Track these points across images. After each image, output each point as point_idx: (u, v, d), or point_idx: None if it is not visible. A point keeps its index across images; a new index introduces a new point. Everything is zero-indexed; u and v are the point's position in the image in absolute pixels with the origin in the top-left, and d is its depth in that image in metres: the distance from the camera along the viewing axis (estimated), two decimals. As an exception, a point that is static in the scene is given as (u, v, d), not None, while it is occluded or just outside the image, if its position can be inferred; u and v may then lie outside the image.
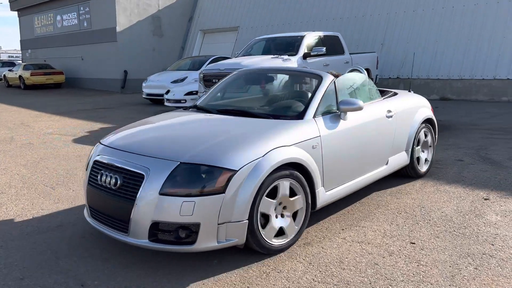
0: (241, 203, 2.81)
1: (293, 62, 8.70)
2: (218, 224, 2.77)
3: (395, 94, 4.82)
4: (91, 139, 7.69)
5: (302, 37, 9.33)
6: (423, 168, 4.86)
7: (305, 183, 3.22)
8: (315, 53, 8.99)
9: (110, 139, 3.42)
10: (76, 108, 12.90)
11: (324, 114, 3.62)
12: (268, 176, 2.93)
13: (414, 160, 4.67)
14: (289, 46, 9.39)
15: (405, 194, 4.30)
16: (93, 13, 20.27)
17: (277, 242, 3.07)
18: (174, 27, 20.81)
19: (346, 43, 14.49)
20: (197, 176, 2.76)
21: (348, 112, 3.71)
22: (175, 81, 13.01)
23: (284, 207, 3.14)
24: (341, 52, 10.24)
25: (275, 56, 8.87)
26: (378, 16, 14.56)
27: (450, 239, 3.25)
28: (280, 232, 3.11)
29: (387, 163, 4.29)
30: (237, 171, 2.81)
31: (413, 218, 3.67)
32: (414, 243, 3.19)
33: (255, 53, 9.82)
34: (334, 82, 3.84)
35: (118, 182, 2.91)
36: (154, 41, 20.13)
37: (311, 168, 3.25)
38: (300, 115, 3.52)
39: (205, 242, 2.77)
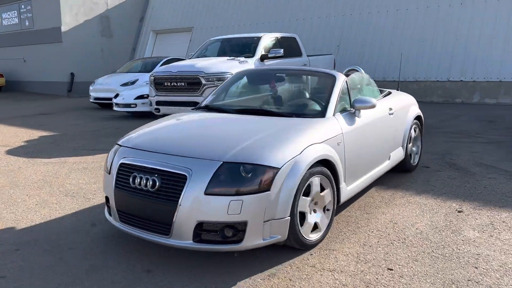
0: (284, 200, 2.84)
1: (250, 64, 8.28)
2: (264, 222, 2.79)
3: (390, 93, 5.02)
4: (28, 150, 6.91)
5: (258, 38, 8.93)
6: (415, 161, 5.16)
7: (332, 178, 3.30)
8: (273, 55, 8.62)
9: (133, 141, 3.30)
10: (15, 114, 11.85)
11: (341, 112, 3.74)
12: (306, 172, 2.97)
13: (408, 155, 4.90)
14: (246, 48, 8.97)
15: (374, 208, 3.96)
16: (35, 12, 18.95)
17: (313, 237, 3.15)
18: (124, 27, 19.86)
19: (304, 45, 14.28)
20: (241, 174, 2.76)
21: (361, 110, 3.85)
22: (125, 84, 12.24)
23: (315, 203, 3.20)
24: (299, 54, 9.94)
25: (231, 58, 8.42)
26: (334, 18, 14.45)
27: (429, 262, 2.92)
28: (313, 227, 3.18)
29: (389, 158, 4.47)
30: (280, 168, 2.84)
31: (386, 238, 3.33)
32: (391, 269, 2.84)
33: (210, 55, 9.32)
34: (346, 81, 3.99)
35: (157, 184, 2.82)
36: (102, 42, 19.09)
37: (337, 164, 3.35)
38: (322, 113, 3.62)
39: (252, 240, 2.77)
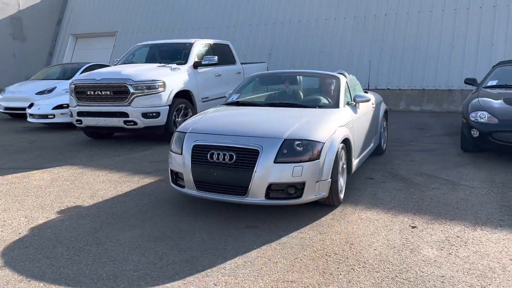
0: (327, 166, 3.80)
1: (183, 71, 7.79)
2: (316, 182, 3.73)
3: (367, 91, 5.95)
4: None
5: (191, 45, 8.46)
6: (384, 146, 6.41)
7: (347, 152, 4.31)
8: (207, 62, 8.21)
9: (198, 128, 4.09)
10: None
11: (347, 104, 4.81)
12: (338, 146, 3.94)
13: (381, 141, 6.16)
14: (177, 54, 8.46)
15: (327, 227, 3.70)
16: None
17: (341, 196, 4.18)
18: (39, 31, 18.26)
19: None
20: (299, 148, 3.70)
21: (360, 103, 4.97)
22: (41, 92, 11.10)
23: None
24: (232, 61, 9.62)
25: (162, 64, 7.87)
26: (264, 26, 14.37)
27: (396, 289, 2.68)
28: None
29: (373, 142, 5.63)
30: (324, 143, 3.81)
31: (345, 262, 3.06)
32: (358, 301, 2.56)
33: (138, 61, 8.68)
34: (346, 81, 5.13)
35: (234, 157, 3.67)
36: (14, 46, 17.39)
37: (353, 142, 4.41)
38: (336, 105, 4.68)
39: (308, 195, 3.73)
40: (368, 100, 4.95)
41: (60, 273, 2.96)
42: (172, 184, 4.19)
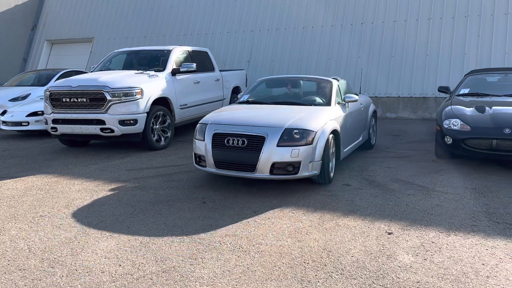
0: (319, 150, 4.81)
1: (160, 78, 7.74)
2: (309, 162, 4.72)
3: (357, 94, 6.78)
4: None
5: (169, 52, 8.42)
6: (373, 142, 7.50)
7: (336, 141, 5.39)
8: (185, 69, 8.17)
9: (217, 120, 5.11)
10: None
11: (337, 103, 5.83)
12: (328, 135, 4.95)
13: (370, 137, 7.23)
14: (155, 61, 8.40)
15: (305, 234, 3.73)
16: None
17: (331, 175, 5.25)
18: (12, 36, 17.86)
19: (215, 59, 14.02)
20: (296, 135, 4.70)
21: (349, 103, 6.00)
22: (14, 99, 10.80)
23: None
24: (211, 69, 9.62)
25: (140, 71, 7.80)
26: (243, 33, 14.43)
27: (373, 295, 2.72)
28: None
29: (361, 137, 6.65)
30: (316, 132, 4.81)
31: (324, 269, 3.08)
32: (336, 309, 2.58)
33: (115, 68, 8.58)
34: (338, 84, 6.21)
35: (245, 142, 4.70)
36: (-13, 51, 16.98)
37: (341, 134, 5.46)
38: (328, 104, 5.73)
39: (303, 172, 4.71)
40: (355, 100, 5.88)
41: (33, 285, 2.89)
42: (195, 165, 5.20)
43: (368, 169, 6.00)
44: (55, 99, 7.18)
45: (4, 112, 9.57)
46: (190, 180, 5.48)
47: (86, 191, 5.08)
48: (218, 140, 4.84)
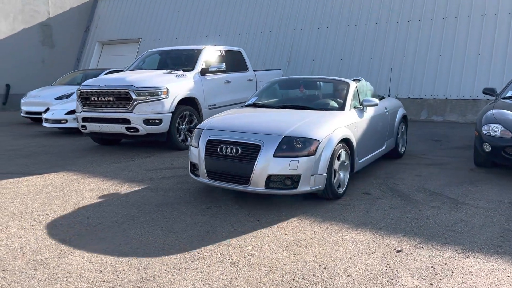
0: (323, 162, 4.22)
1: (188, 78, 7.69)
2: (311, 176, 4.15)
3: (383, 97, 6.37)
4: None
5: (199, 51, 8.35)
6: (402, 150, 6.68)
7: (349, 152, 4.67)
8: (214, 69, 8.06)
9: (213, 125, 4.62)
10: None
11: (354, 108, 5.18)
12: (336, 145, 4.35)
13: (397, 145, 6.40)
14: (185, 61, 8.36)
15: (304, 247, 3.44)
16: (-32, 18, 17.53)
17: (340, 190, 4.58)
18: (68, 37, 18.76)
19: (254, 59, 13.88)
20: (297, 144, 4.14)
21: (368, 107, 5.36)
22: (60, 97, 11.29)
23: (341, 167, 4.57)
24: (244, 68, 9.46)
25: (168, 71, 7.79)
26: (284, 32, 14.16)
27: (358, 324, 2.40)
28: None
29: (385, 145, 5.93)
30: (321, 141, 4.24)
31: (312, 288, 2.79)
32: (311, 337, 2.29)
33: (148, 67, 8.65)
34: (356, 86, 5.47)
35: (239, 151, 4.16)
36: (43, 52, 17.92)
37: (354, 142, 4.78)
38: (342, 108, 5.09)
39: (303, 187, 4.15)
40: (375, 105, 5.24)
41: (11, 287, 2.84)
42: (190, 174, 4.75)
43: (395, 176, 5.56)
44: (84, 98, 7.34)
45: (47, 110, 9.97)
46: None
47: (99, 190, 5.08)
48: (212, 147, 4.36)
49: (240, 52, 9.59)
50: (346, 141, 4.61)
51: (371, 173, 5.71)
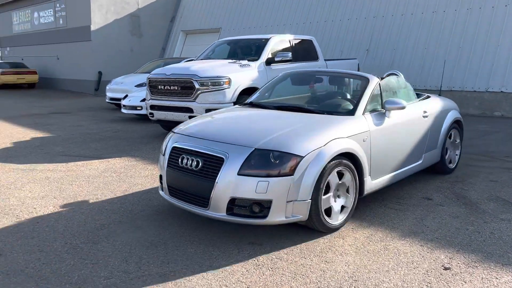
0: (306, 184, 3.22)
1: (253, 68, 7.59)
2: (287, 202, 3.19)
3: (428, 97, 5.14)
4: (7, 153, 6.57)
5: (266, 40, 8.20)
6: (453, 165, 5.29)
7: (355, 170, 3.59)
8: (280, 58, 7.87)
9: (184, 128, 3.86)
10: (30, 111, 11.79)
11: (371, 111, 4.04)
12: (328, 162, 3.32)
13: (444, 158, 5.06)
14: (252, 50, 8.27)
15: (339, 254, 3.16)
16: (68, 10, 19.18)
17: (335, 222, 3.49)
18: (154, 27, 19.71)
19: (331, 48, 13.40)
20: (270, 160, 3.20)
21: (392, 111, 4.11)
22: (139, 85, 11.86)
23: (338, 190, 3.54)
24: (315, 58, 9.11)
25: (233, 61, 7.75)
26: (364, 20, 13.44)
27: None
28: (328, 213, 3.47)
29: (422, 159, 4.66)
30: (304, 157, 3.24)
31: (334, 303, 2.54)
32: None
33: (217, 57, 8.69)
34: (379, 84, 4.29)
35: (200, 164, 3.35)
36: (132, 41, 19.03)
37: (362, 158, 3.67)
38: (352, 112, 3.97)
39: (275, 216, 3.20)
40: (401, 108, 4.03)
41: (40, 269, 2.97)
42: (158, 186, 4.11)
43: (466, 181, 4.96)
44: (153, 86, 7.57)
45: (125, 97, 10.52)
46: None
47: (152, 177, 5.20)
48: (174, 157, 3.59)
49: (311, 41, 9.25)
50: (348, 156, 3.58)
51: (437, 175, 5.16)
